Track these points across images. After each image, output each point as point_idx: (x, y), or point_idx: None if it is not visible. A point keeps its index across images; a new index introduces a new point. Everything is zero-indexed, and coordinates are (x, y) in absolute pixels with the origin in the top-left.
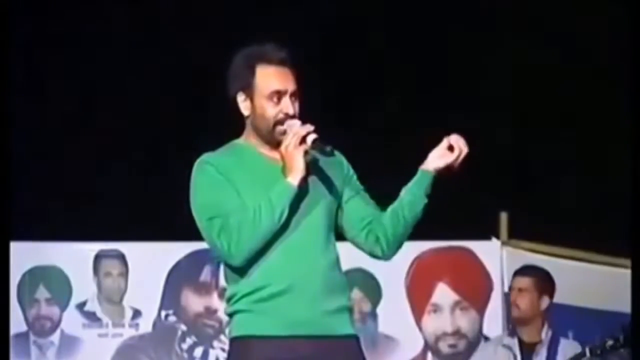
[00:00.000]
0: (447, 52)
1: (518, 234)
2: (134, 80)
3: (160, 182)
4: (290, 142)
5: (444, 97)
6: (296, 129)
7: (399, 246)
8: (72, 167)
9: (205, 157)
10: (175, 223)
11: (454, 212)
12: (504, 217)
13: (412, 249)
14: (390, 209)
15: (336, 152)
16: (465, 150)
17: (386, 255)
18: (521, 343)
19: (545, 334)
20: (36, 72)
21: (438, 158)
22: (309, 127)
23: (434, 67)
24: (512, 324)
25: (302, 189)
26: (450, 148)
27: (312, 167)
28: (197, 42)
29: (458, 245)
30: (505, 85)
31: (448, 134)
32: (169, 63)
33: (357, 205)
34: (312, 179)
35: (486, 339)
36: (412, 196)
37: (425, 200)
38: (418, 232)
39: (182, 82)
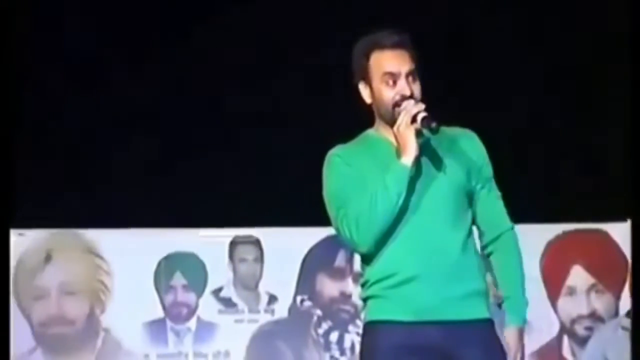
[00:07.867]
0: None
1: None
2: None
3: (296, 168)
4: (401, 121)
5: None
6: (408, 108)
7: None
8: (214, 155)
9: (334, 150)
10: (310, 208)
11: (588, 194)
12: None
13: (546, 232)
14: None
15: (474, 140)
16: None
17: None
18: None
19: None
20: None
21: None
22: (420, 106)
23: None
24: None
25: (419, 169)
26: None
27: (440, 148)
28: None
29: (593, 227)
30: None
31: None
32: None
33: (483, 209)
34: (439, 159)
35: (603, 321)
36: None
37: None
38: (553, 214)
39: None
